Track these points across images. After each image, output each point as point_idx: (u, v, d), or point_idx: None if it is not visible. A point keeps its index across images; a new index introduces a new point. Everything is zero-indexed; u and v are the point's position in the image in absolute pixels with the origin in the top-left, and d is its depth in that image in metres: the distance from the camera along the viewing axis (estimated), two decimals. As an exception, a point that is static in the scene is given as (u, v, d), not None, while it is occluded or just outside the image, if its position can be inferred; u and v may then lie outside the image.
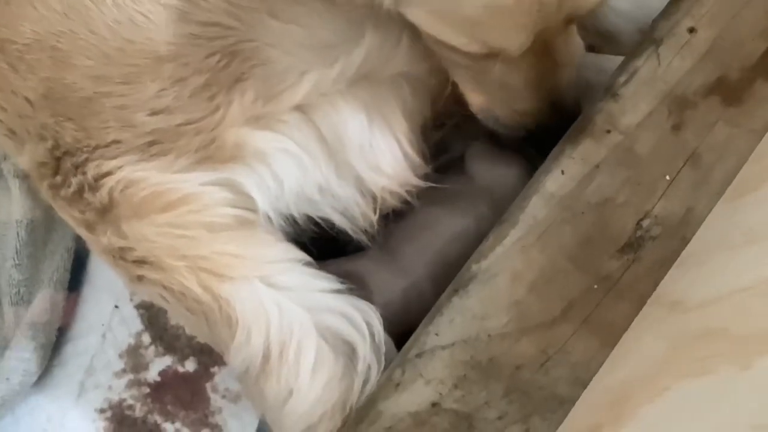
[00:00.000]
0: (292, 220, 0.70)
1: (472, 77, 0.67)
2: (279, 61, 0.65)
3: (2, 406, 0.79)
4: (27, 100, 0.68)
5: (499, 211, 0.70)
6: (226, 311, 0.66)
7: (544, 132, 0.70)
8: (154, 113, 0.65)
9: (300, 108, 0.67)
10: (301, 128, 0.67)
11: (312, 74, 0.65)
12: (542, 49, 0.63)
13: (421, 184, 0.71)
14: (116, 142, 0.66)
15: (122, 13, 0.65)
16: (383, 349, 0.69)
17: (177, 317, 0.73)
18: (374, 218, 0.72)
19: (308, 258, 0.71)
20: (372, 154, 0.68)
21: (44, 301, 0.80)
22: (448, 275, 0.69)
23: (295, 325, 0.67)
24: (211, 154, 0.66)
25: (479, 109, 0.70)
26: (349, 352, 0.69)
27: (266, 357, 0.67)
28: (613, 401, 0.54)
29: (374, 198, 0.71)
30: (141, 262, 0.67)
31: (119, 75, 0.65)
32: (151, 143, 0.66)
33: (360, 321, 0.69)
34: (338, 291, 0.70)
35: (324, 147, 0.68)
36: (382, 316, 0.70)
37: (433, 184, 0.72)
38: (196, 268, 0.66)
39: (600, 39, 0.80)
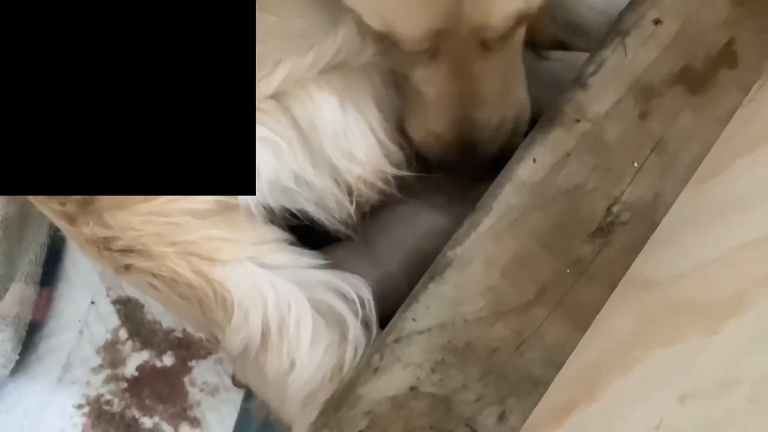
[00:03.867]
0: (269, 210, 0.71)
1: (399, 82, 0.67)
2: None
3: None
4: None
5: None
6: (221, 294, 0.67)
7: (451, 167, 0.70)
8: None
9: (275, 96, 0.67)
10: (277, 116, 0.67)
11: (287, 63, 0.65)
12: (458, 69, 0.63)
13: (397, 172, 0.72)
14: None
15: None
16: (374, 318, 0.70)
17: (166, 305, 0.73)
18: (351, 209, 0.73)
19: (292, 238, 0.71)
20: (345, 142, 0.69)
21: (14, 294, 0.79)
22: (422, 269, 0.70)
23: (291, 302, 0.68)
24: None
25: (406, 124, 0.70)
26: (342, 322, 0.70)
27: (266, 334, 0.68)
28: (587, 377, 0.55)
29: (349, 188, 0.71)
30: (128, 250, 0.67)
31: None
32: None
33: (350, 292, 0.70)
34: (326, 266, 0.71)
35: (299, 134, 0.68)
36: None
37: (408, 173, 0.73)
38: (186, 253, 0.66)
39: (570, 33, 0.81)
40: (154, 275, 0.67)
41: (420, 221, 0.77)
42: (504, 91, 0.68)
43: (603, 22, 0.80)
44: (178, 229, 0.66)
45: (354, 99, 0.69)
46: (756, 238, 0.44)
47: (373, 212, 0.77)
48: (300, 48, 0.66)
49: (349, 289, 0.71)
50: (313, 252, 0.72)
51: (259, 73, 0.65)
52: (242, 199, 0.68)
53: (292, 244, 0.72)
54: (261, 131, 0.66)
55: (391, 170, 0.71)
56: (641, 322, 0.52)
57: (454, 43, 0.61)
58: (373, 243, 0.78)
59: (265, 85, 0.66)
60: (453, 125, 0.68)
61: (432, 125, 0.68)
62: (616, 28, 0.70)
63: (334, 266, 0.74)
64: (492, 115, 0.68)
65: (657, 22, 0.69)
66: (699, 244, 0.53)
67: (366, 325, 0.71)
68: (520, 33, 0.66)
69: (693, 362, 0.40)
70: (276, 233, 0.71)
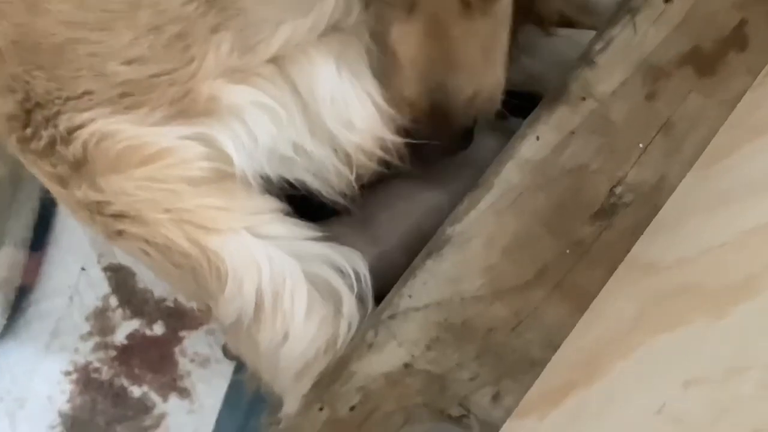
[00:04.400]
0: (266, 180, 0.69)
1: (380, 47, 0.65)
2: (254, 11, 0.64)
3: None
4: None
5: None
6: (215, 264, 0.66)
7: (417, 134, 0.68)
8: (127, 62, 0.63)
9: (275, 60, 0.65)
10: (276, 81, 0.65)
11: (287, 25, 0.64)
12: (436, 28, 0.61)
13: (396, 139, 0.69)
14: (88, 93, 0.64)
15: None
16: (370, 293, 0.69)
17: (158, 273, 0.72)
18: (351, 178, 0.71)
19: (289, 208, 0.70)
20: (344, 109, 0.67)
21: (3, 258, 0.78)
22: (421, 246, 0.69)
23: (286, 273, 0.67)
24: (185, 107, 0.64)
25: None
26: (337, 296, 0.69)
27: (259, 306, 0.67)
28: (586, 360, 0.55)
29: (348, 157, 0.70)
30: (120, 216, 0.65)
31: (93, 20, 0.63)
32: (124, 94, 0.64)
33: (346, 266, 0.69)
34: (323, 238, 0.70)
35: (298, 101, 0.66)
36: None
37: (410, 140, 0.69)
38: (181, 221, 0.65)
39: (577, 10, 0.80)
40: (147, 242, 0.66)
41: (419, 198, 0.76)
42: (482, 60, 0.66)
43: (611, 1, 0.78)
44: (173, 196, 0.65)
45: (350, 64, 0.67)
46: (766, 222, 0.43)
47: (372, 188, 0.75)
48: (300, 9, 0.64)
49: (345, 263, 0.69)
50: (310, 224, 0.71)
51: (259, 36, 0.64)
52: (239, 168, 0.66)
53: (288, 215, 0.70)
54: (260, 97, 0.65)
55: (390, 138, 0.69)
56: (644, 305, 0.52)
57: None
58: (371, 219, 0.77)
59: (264, 48, 0.64)
60: (426, 91, 0.66)
61: (405, 90, 0.66)
62: (626, 6, 0.69)
63: (331, 239, 0.73)
64: (467, 83, 0.66)
65: (667, 0, 0.68)
66: (705, 228, 0.52)
67: (361, 299, 0.70)
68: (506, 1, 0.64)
69: (699, 347, 0.40)
70: (272, 203, 0.69)
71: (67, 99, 0.65)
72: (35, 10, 0.64)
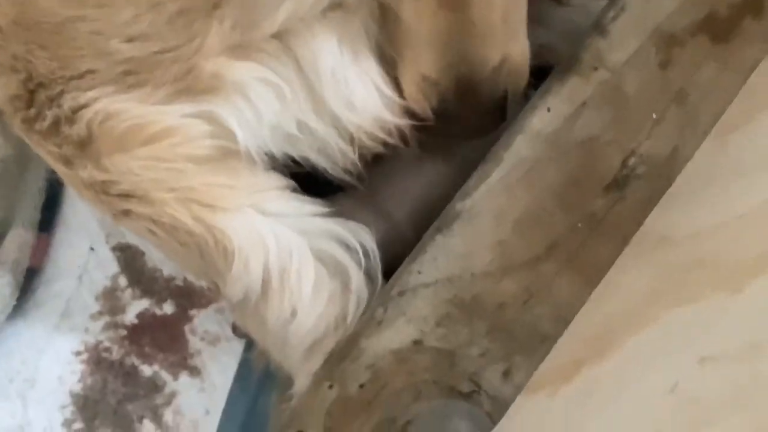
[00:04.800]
0: (271, 158, 0.69)
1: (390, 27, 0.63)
2: None
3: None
4: None
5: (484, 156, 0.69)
6: (221, 242, 0.65)
7: (446, 115, 0.65)
8: (129, 40, 0.63)
9: (278, 35, 0.64)
10: (280, 57, 0.64)
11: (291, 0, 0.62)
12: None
13: (399, 122, 0.68)
14: (91, 72, 0.64)
15: None
16: (379, 268, 0.69)
17: (165, 252, 0.72)
18: (354, 158, 0.70)
19: (294, 184, 0.69)
20: (345, 89, 0.66)
21: (12, 240, 0.78)
22: (429, 220, 0.68)
23: (292, 250, 0.67)
24: (188, 84, 0.64)
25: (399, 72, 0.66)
26: (345, 272, 0.69)
27: (267, 283, 0.66)
28: (598, 335, 0.54)
29: (351, 137, 0.69)
30: (126, 195, 0.65)
31: None
32: (127, 72, 0.63)
33: (354, 242, 0.69)
34: (330, 214, 0.69)
35: (302, 78, 0.65)
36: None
37: (412, 122, 0.68)
38: (186, 199, 0.64)
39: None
40: (153, 221, 0.65)
41: (426, 168, 0.75)
42: (504, 26, 0.63)
43: None
44: (178, 175, 0.64)
45: (352, 43, 0.65)
46: (784, 194, 0.42)
47: (378, 160, 0.74)
48: None
49: (352, 239, 0.69)
50: (315, 200, 0.70)
51: (262, 11, 0.62)
52: (243, 145, 0.65)
53: (294, 191, 0.69)
54: (264, 73, 0.64)
55: (392, 120, 0.68)
56: (657, 279, 0.51)
57: None
58: (378, 192, 0.76)
59: (268, 23, 0.63)
60: (448, 66, 0.63)
61: (425, 69, 0.64)
62: (638, -28, 0.67)
63: (337, 215, 0.72)
64: (492, 52, 0.63)
65: (682, -34, 0.66)
66: (721, 201, 0.51)
67: (369, 275, 0.69)
68: None
69: (715, 323, 0.38)
70: (278, 180, 0.69)
71: (71, 78, 0.64)
72: None
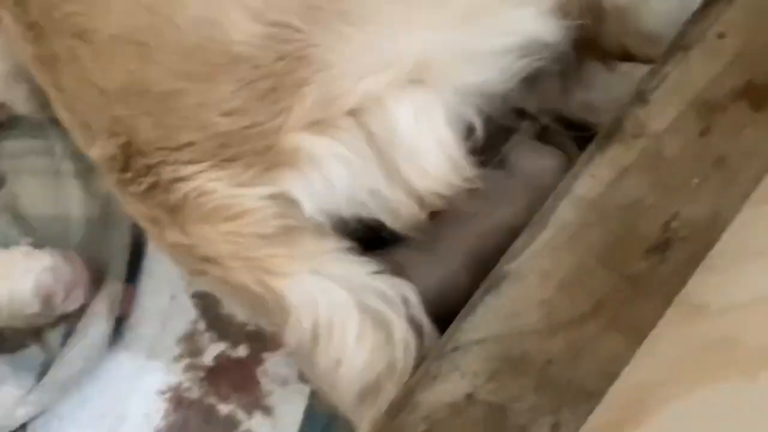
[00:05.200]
0: (339, 219, 0.74)
1: None
2: (339, 65, 0.68)
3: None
4: (104, 91, 0.72)
5: (537, 205, 0.72)
6: (279, 302, 0.72)
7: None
8: (226, 114, 0.68)
9: (353, 112, 0.69)
10: (354, 132, 0.70)
11: (368, 79, 0.68)
12: None
13: (467, 185, 0.73)
14: (191, 144, 0.70)
15: (204, 10, 0.68)
16: (422, 318, 0.74)
17: (235, 305, 0.79)
18: (423, 217, 0.75)
19: (351, 244, 0.75)
20: (418, 158, 0.71)
21: (104, 294, 0.86)
22: (484, 267, 0.72)
23: (339, 307, 0.73)
24: (271, 160, 0.70)
25: None
26: (387, 324, 0.74)
27: (315, 336, 0.73)
28: (633, 399, 0.57)
29: (421, 200, 0.74)
30: (204, 259, 0.72)
31: (198, 72, 0.68)
32: (222, 146, 0.70)
33: (394, 295, 0.74)
34: (376, 272, 0.75)
35: (375, 150, 0.70)
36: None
37: (478, 185, 0.74)
38: (253, 267, 0.71)
39: (643, 43, 0.80)
40: (224, 282, 0.73)
41: (481, 218, 0.79)
42: None
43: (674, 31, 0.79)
44: (249, 248, 0.71)
45: (428, 116, 0.70)
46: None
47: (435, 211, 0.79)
48: (381, 64, 0.68)
49: (394, 294, 0.74)
50: (365, 259, 0.75)
51: (340, 90, 0.68)
52: (310, 216, 0.71)
53: (350, 251, 0.75)
54: (338, 148, 0.70)
55: (462, 184, 0.73)
56: (689, 351, 0.54)
57: None
58: (436, 241, 0.80)
59: (344, 101, 0.68)
60: None
61: None
62: (678, 42, 0.70)
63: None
64: None
65: (721, 36, 0.69)
66: (753, 276, 0.53)
67: (414, 324, 0.74)
68: None
69: (730, 408, 0.41)
70: (335, 243, 0.74)
71: (172, 150, 0.71)
72: (147, 59, 0.69)
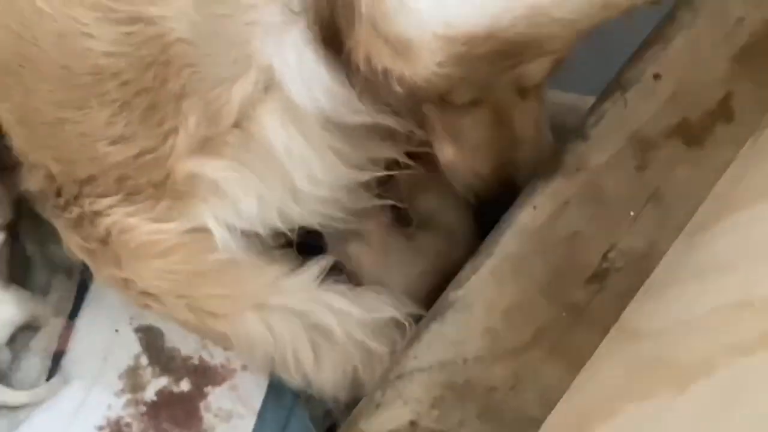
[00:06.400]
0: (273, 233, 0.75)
1: (446, 125, 0.70)
2: (205, 66, 0.64)
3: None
4: (10, 125, 0.70)
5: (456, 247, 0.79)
6: (225, 339, 0.74)
7: (486, 206, 0.74)
8: (113, 143, 0.66)
9: (238, 124, 0.67)
10: (245, 146, 0.68)
11: (239, 84, 0.64)
12: (500, 117, 0.67)
13: (355, 206, 0.74)
14: (92, 178, 0.69)
15: (61, 22, 0.63)
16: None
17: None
18: (344, 216, 0.75)
19: (291, 265, 0.75)
20: (304, 163, 0.69)
21: (46, 330, 0.85)
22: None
23: (288, 339, 0.74)
24: (174, 192, 0.69)
25: (447, 161, 0.72)
26: (342, 335, 0.75)
27: (273, 366, 0.75)
28: (572, 424, 0.58)
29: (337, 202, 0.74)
30: (145, 294, 0.72)
31: (72, 99, 0.65)
32: (120, 179, 0.68)
33: (343, 305, 0.75)
34: (321, 285, 0.76)
35: (268, 162, 0.68)
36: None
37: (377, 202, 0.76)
38: (193, 307, 0.72)
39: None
40: (169, 316, 0.74)
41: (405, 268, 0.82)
42: (538, 133, 0.72)
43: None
44: (186, 286, 0.71)
45: (297, 119, 0.67)
46: (728, 303, 0.47)
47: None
48: (243, 63, 0.64)
49: (340, 303, 0.75)
50: (310, 272, 0.75)
51: (218, 100, 0.65)
52: (230, 243, 0.71)
53: (291, 273, 0.75)
54: (234, 168, 0.68)
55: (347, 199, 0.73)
56: (627, 372, 0.55)
57: (499, 96, 0.65)
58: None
59: (226, 112, 0.65)
60: (498, 167, 0.71)
61: (479, 168, 0.72)
62: (616, 82, 0.73)
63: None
64: (531, 154, 0.72)
65: (656, 76, 0.72)
66: (681, 301, 0.55)
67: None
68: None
69: (661, 422, 0.43)
70: (276, 270, 0.74)
71: (82, 183, 0.69)
72: (27, 89, 0.66)
